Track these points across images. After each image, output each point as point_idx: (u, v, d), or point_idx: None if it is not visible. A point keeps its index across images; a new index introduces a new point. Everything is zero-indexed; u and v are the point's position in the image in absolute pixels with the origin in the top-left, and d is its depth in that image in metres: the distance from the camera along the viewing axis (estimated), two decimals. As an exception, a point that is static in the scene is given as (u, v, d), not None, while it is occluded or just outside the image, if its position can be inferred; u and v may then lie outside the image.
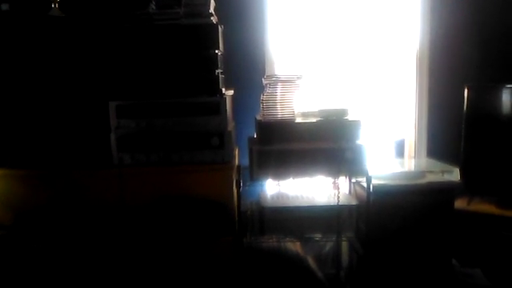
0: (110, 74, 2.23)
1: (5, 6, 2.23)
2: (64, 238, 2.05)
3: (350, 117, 2.15)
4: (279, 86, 2.12)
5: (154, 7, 2.33)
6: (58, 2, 2.30)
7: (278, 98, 2.12)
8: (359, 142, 2.11)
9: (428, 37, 2.85)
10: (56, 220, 2.08)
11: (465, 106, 2.62)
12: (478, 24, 2.80)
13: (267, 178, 2.19)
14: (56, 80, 2.19)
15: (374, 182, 2.13)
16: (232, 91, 2.50)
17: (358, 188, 2.32)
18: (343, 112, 2.15)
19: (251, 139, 2.24)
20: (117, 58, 2.21)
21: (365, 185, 2.15)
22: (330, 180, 2.32)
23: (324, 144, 2.08)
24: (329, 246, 2.56)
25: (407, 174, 2.30)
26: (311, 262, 2.42)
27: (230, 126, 2.28)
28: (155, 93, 2.18)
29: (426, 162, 2.77)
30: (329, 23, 2.88)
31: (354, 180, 2.36)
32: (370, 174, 2.11)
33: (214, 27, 2.19)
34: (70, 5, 2.35)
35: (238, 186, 2.11)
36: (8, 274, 2.03)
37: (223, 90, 2.23)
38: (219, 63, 2.24)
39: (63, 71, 2.19)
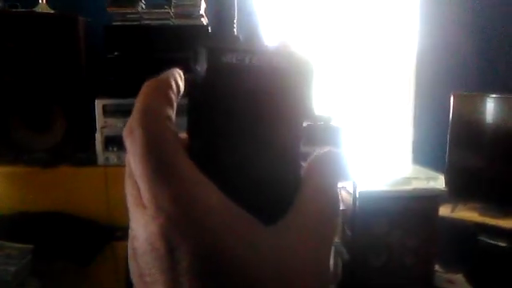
0: (98, 72, 2.20)
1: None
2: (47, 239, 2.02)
3: (336, 122, 2.15)
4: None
5: (143, 7, 2.32)
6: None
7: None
8: (346, 147, 2.11)
9: (415, 46, 2.88)
10: (39, 221, 2.04)
11: (450, 114, 2.65)
12: (464, 34, 2.84)
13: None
14: (42, 76, 2.16)
15: (360, 187, 2.14)
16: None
17: (344, 193, 2.33)
18: (330, 117, 2.16)
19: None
20: (105, 55, 2.19)
21: (351, 190, 2.15)
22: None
23: (310, 149, 2.08)
24: (314, 250, 2.56)
25: (393, 181, 2.31)
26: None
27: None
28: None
29: (411, 168, 2.79)
30: (318, 32, 2.89)
31: (340, 185, 2.37)
32: (356, 180, 2.12)
33: (204, 28, 2.18)
34: (59, 1, 2.33)
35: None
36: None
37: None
38: (208, 65, 2.23)
39: (50, 68, 2.16)
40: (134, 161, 0.26)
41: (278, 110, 0.27)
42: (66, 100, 2.17)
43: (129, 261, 0.27)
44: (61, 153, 2.16)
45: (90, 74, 2.26)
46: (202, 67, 0.26)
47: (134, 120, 0.27)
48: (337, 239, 2.32)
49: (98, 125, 2.12)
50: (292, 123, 0.28)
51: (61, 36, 2.14)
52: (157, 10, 2.27)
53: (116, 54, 2.20)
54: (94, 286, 2.06)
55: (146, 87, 0.28)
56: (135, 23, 2.23)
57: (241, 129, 0.26)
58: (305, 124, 0.29)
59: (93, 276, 2.05)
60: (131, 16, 2.23)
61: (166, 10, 2.25)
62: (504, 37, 2.85)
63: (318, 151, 0.31)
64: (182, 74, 0.30)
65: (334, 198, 0.28)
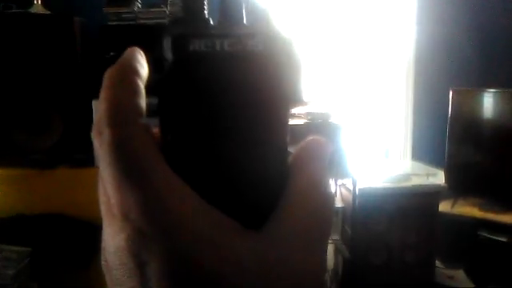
0: (95, 73, 2.19)
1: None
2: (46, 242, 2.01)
3: (335, 119, 2.15)
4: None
5: (139, 6, 2.31)
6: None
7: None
8: (345, 144, 2.11)
9: (414, 42, 2.87)
10: (37, 223, 2.03)
11: (449, 110, 2.64)
12: (462, 29, 2.83)
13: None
14: (38, 78, 2.15)
15: (360, 184, 2.14)
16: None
17: (343, 190, 2.32)
18: (329, 114, 2.15)
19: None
20: (101, 55, 2.18)
21: (350, 187, 2.15)
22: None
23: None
24: (314, 248, 2.55)
25: (392, 177, 2.30)
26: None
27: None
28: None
29: (411, 164, 2.79)
30: (315, 29, 2.88)
31: (339, 182, 2.36)
32: (355, 177, 2.11)
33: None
34: (54, 2, 2.31)
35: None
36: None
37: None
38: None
39: (46, 69, 2.15)
40: (102, 164, 0.23)
41: (258, 99, 0.24)
42: (63, 101, 2.15)
43: (104, 274, 0.24)
44: (58, 154, 2.15)
45: (86, 75, 2.24)
46: (168, 58, 0.24)
47: (101, 119, 0.23)
48: (337, 237, 2.32)
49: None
50: (275, 112, 0.24)
51: (56, 37, 2.12)
52: (153, 10, 2.26)
53: (112, 54, 2.18)
54: None
55: (110, 78, 0.25)
56: (131, 23, 2.22)
57: (217, 122, 0.24)
58: (300, 119, 0.26)
59: (91, 278, 2.03)
60: (127, 15, 2.22)
61: (162, 9, 2.24)
62: (502, 32, 2.85)
63: (305, 140, 0.27)
64: (142, 52, 0.27)
65: (327, 196, 0.25)
